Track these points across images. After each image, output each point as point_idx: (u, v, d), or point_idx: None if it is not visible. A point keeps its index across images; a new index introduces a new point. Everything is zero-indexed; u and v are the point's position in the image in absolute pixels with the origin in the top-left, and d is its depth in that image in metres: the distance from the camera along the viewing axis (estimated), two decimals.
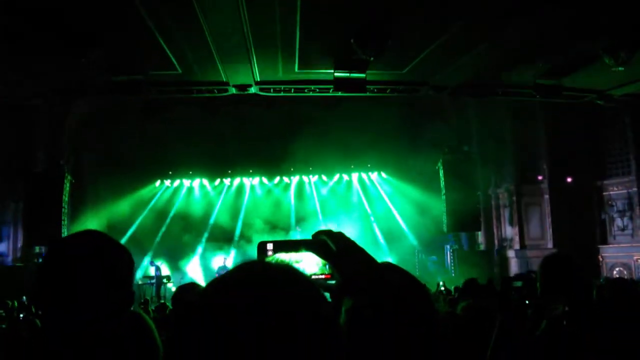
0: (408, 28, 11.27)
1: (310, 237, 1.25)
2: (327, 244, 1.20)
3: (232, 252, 22.38)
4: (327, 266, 1.25)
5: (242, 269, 0.90)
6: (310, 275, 1.25)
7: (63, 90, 14.71)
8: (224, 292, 0.87)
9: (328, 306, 0.91)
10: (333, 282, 1.21)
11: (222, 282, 0.89)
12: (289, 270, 0.93)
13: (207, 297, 0.87)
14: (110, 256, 1.61)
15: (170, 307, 6.94)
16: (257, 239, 21.55)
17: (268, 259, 1.26)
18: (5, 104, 15.93)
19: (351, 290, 1.16)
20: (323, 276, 1.26)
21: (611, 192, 18.18)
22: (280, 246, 1.28)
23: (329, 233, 1.21)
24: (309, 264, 1.26)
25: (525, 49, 12.19)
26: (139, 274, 21.22)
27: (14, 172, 18.43)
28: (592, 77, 14.02)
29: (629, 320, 2.92)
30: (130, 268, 1.66)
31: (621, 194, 17.87)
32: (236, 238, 22.97)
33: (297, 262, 1.26)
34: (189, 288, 4.48)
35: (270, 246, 1.28)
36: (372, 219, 23.67)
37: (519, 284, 2.90)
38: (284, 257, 1.27)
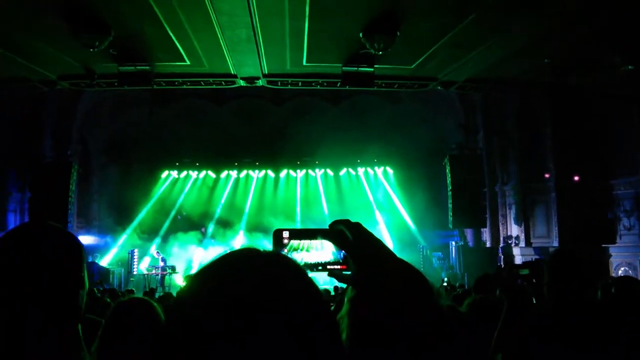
0: (417, 23, 11.21)
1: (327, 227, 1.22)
2: (344, 234, 1.17)
3: (238, 243, 22.39)
4: (343, 256, 1.23)
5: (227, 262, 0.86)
6: (325, 264, 1.24)
7: (71, 79, 14.72)
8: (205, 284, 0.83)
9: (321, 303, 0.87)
10: (349, 272, 1.19)
11: (205, 273, 0.85)
12: (281, 261, 0.89)
13: (187, 292, 0.84)
14: (47, 245, 1.54)
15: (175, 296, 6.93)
16: (263, 230, 21.67)
17: (284, 248, 1.25)
18: (13, 91, 15.96)
19: (365, 281, 1.14)
20: (339, 266, 1.24)
21: (618, 192, 18.06)
22: (297, 234, 1.26)
23: (346, 223, 1.19)
24: (325, 252, 1.24)
25: (533, 44, 12.11)
26: (145, 264, 21.32)
27: (21, 160, 18.48)
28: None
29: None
30: (75, 254, 1.58)
31: (628, 193, 17.75)
32: (242, 229, 23.00)
33: (308, 249, 1.25)
34: None
35: (286, 234, 1.26)
36: (378, 213, 23.65)
37: (525, 271, 2.86)
38: (300, 244, 1.25)
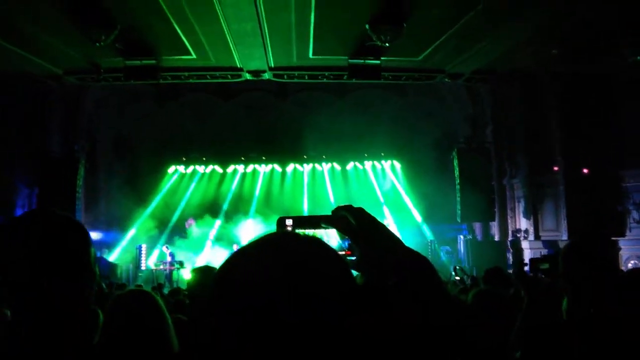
0: (424, 14, 11.12)
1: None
2: (348, 220, 1.16)
3: (245, 238, 22.36)
4: (347, 243, 1.22)
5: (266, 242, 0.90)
6: None
7: (77, 74, 14.74)
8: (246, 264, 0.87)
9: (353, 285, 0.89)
10: (353, 258, 1.18)
11: (244, 254, 0.88)
12: (317, 243, 0.92)
13: (227, 270, 0.88)
14: (59, 234, 1.50)
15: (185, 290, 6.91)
16: (271, 225, 21.74)
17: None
18: (20, 86, 15.99)
19: (371, 265, 1.14)
20: (343, 252, 1.22)
21: (628, 184, 17.92)
22: (300, 222, 1.26)
23: (349, 208, 1.18)
24: (331, 242, 1.23)
25: (542, 34, 12.00)
26: (153, 259, 21.34)
27: (29, 156, 18.50)
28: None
29: None
30: (84, 244, 1.54)
31: (638, 185, 17.61)
32: (249, 224, 22.97)
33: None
34: (204, 271, 4.43)
35: (289, 222, 1.26)
36: (385, 208, 23.58)
37: (546, 265, 2.82)
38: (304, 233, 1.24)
